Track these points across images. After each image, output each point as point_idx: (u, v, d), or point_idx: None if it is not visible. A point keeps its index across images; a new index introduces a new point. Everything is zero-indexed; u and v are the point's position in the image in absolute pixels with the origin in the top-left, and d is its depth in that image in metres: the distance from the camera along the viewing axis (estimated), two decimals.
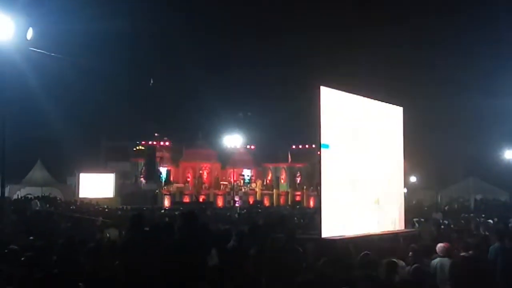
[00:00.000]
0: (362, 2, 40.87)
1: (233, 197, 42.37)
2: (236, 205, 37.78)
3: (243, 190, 45.69)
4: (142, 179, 45.20)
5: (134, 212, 27.78)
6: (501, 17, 34.03)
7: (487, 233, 13.26)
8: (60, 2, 25.19)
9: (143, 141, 46.29)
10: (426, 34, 36.84)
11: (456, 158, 48.76)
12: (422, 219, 19.31)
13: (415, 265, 8.21)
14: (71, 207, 31.17)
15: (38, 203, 29.59)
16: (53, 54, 21.77)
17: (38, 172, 42.42)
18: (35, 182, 40.67)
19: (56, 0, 24.81)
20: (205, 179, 47.67)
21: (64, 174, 46.37)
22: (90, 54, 32.06)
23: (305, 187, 45.67)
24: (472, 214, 26.77)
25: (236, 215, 26.15)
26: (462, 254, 9.45)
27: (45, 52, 20.72)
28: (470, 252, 9.41)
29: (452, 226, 17.68)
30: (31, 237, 10.30)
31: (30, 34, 15.59)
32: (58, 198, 37.19)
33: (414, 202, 37.16)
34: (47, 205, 30.38)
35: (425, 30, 37.15)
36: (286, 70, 44.34)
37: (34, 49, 19.28)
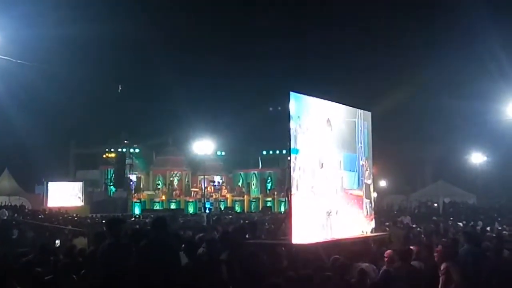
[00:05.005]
0: (329, 9, 41.21)
1: (204, 204, 42.22)
2: (207, 211, 37.57)
3: (214, 196, 45.53)
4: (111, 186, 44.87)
5: (104, 219, 27.59)
6: (467, 20, 34.52)
7: (456, 236, 13.37)
8: (26, 9, 24.90)
9: (112, 148, 45.86)
10: (394, 38, 37.24)
11: (425, 162, 49.45)
12: (400, 224, 19.66)
13: (383, 268, 8.26)
14: (39, 216, 30.72)
15: (6, 212, 29.10)
16: (19, 61, 21.54)
17: (5, 181, 41.76)
18: (2, 191, 39.95)
19: (22, 7, 24.53)
20: (175, 186, 47.43)
21: (32, 182, 45.75)
22: (58, 61, 31.67)
23: (276, 192, 45.71)
24: (441, 217, 27.05)
25: (204, 222, 25.98)
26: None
27: (11, 59, 20.49)
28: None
29: (420, 229, 17.82)
30: None
31: None
32: (25, 207, 36.60)
33: (385, 207, 37.55)
34: (15, 214, 29.87)
35: (393, 35, 37.53)
36: (256, 76, 44.42)
37: (0, 56, 19.06)
